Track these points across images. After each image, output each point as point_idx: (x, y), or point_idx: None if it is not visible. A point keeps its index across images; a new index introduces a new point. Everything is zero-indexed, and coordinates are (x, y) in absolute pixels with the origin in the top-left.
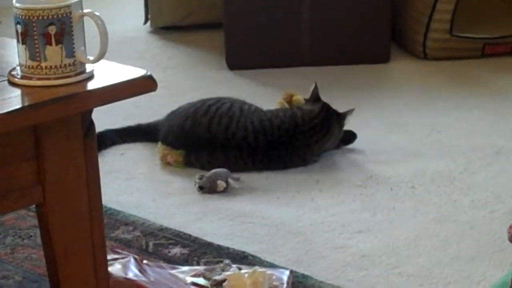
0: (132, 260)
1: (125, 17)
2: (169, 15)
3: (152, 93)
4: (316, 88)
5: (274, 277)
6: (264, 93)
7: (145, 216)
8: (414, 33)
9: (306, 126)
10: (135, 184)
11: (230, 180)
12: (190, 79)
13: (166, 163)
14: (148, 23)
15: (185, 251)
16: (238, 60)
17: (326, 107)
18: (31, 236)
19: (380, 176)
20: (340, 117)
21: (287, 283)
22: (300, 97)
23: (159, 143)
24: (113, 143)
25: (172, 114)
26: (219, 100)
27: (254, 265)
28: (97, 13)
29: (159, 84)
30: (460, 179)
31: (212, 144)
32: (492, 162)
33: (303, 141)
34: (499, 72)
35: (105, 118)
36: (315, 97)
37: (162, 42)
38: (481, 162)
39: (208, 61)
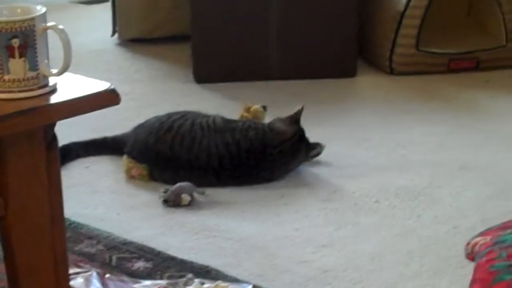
0: (94, 274)
1: (93, 29)
2: (137, 28)
3: (119, 106)
4: (301, 111)
5: None
6: (230, 107)
7: (109, 229)
8: (381, 48)
9: (275, 148)
10: (100, 198)
11: (195, 194)
12: (157, 92)
13: (130, 177)
14: (116, 35)
15: (149, 265)
16: (205, 73)
17: (300, 134)
18: None
19: (345, 191)
20: (309, 148)
21: None
22: (257, 106)
23: (124, 156)
24: (78, 156)
25: (139, 128)
26: (183, 115)
27: (217, 279)
28: (61, 27)
29: (126, 97)
30: (425, 194)
31: (175, 163)
32: (457, 177)
33: (270, 162)
34: (464, 87)
35: (70, 130)
36: (295, 119)
37: (129, 54)
38: (445, 177)
39: (175, 74)
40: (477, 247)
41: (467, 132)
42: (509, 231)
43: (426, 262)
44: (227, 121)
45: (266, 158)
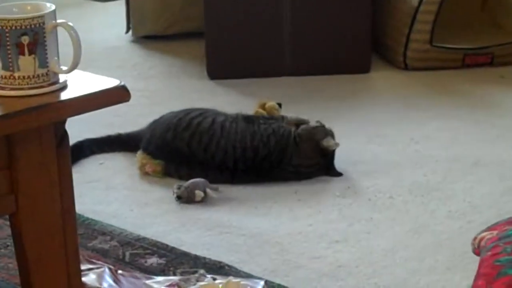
0: (106, 270)
1: (107, 27)
2: (151, 25)
3: (133, 102)
4: (337, 146)
5: (248, 287)
6: (244, 103)
7: (123, 226)
8: (395, 44)
9: (292, 166)
10: (113, 194)
11: (208, 190)
12: (170, 89)
13: (144, 173)
14: (130, 32)
15: (162, 261)
16: (219, 69)
17: (327, 163)
18: (8, 245)
19: (358, 187)
20: (332, 171)
21: None
22: (272, 103)
23: (138, 152)
24: (93, 152)
25: (155, 123)
26: (202, 113)
27: (230, 275)
28: (70, 24)
29: (140, 93)
30: (438, 190)
31: (191, 160)
32: (470, 172)
33: (284, 172)
34: (478, 82)
35: (84, 126)
36: (324, 153)
37: (143, 51)
38: (459, 172)
39: (189, 71)
40: (483, 242)
41: (482, 127)
42: None
43: (439, 257)
44: (250, 121)
45: (281, 168)
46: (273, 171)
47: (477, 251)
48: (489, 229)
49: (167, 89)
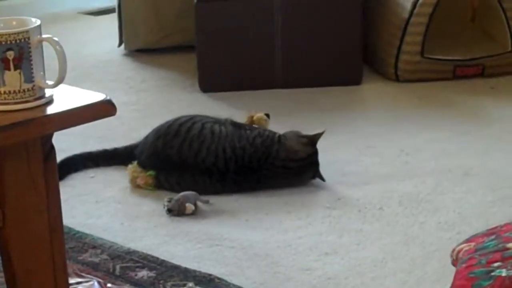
0: (95, 284)
1: (100, 40)
2: (143, 38)
3: (125, 115)
4: (320, 135)
5: None
6: (235, 116)
7: (113, 239)
8: (386, 55)
9: (280, 161)
10: (104, 207)
11: (199, 203)
12: (163, 102)
13: (136, 186)
14: (123, 45)
15: (152, 274)
16: (211, 82)
17: (314, 157)
18: None
19: (348, 198)
20: (316, 172)
21: None
22: (261, 114)
23: (129, 165)
24: (86, 167)
25: (149, 133)
26: (191, 118)
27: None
28: (55, 39)
29: (132, 107)
30: (428, 201)
31: (182, 167)
32: (460, 183)
33: (272, 171)
34: (469, 94)
35: (75, 140)
36: (312, 141)
37: (136, 64)
38: (449, 183)
39: (181, 84)
40: (460, 254)
41: (472, 138)
42: (492, 237)
43: (429, 269)
44: (237, 127)
45: (268, 166)
46: (262, 169)
47: (455, 262)
48: (467, 241)
49: (159, 102)
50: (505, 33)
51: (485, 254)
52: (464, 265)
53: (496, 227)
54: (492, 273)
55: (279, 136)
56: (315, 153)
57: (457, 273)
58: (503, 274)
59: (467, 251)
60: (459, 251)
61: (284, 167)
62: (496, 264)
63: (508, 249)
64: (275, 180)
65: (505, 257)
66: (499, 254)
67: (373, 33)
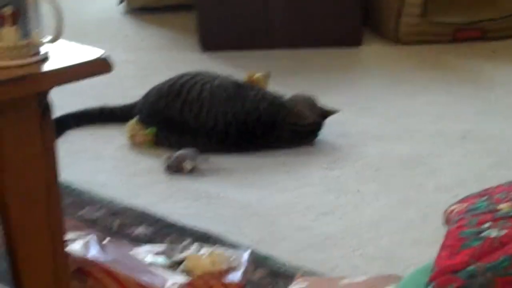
0: (93, 238)
1: None
2: None
3: (124, 74)
4: (333, 112)
5: (233, 257)
6: (236, 75)
7: (111, 195)
8: (387, 17)
9: (287, 125)
10: (103, 164)
11: (198, 161)
12: (162, 60)
13: (134, 143)
14: (123, 4)
15: (149, 231)
16: (211, 42)
17: (318, 126)
18: None
19: (346, 159)
20: (315, 137)
21: (247, 263)
22: (259, 74)
23: (128, 123)
24: (78, 125)
25: (149, 91)
26: (193, 77)
27: (217, 245)
28: None
29: (131, 65)
30: (425, 163)
31: (183, 127)
32: (458, 146)
33: (276, 136)
34: (469, 57)
35: (75, 98)
36: (323, 114)
37: (136, 23)
38: (446, 146)
39: (181, 43)
40: (453, 214)
41: (471, 102)
42: (484, 198)
43: (424, 230)
44: (239, 87)
45: (274, 131)
46: (266, 134)
47: (447, 222)
48: (460, 201)
49: (158, 61)
50: None
51: (476, 215)
52: (455, 225)
53: (489, 189)
54: (482, 234)
55: (283, 100)
56: (322, 123)
57: (448, 233)
58: (493, 235)
59: (459, 212)
60: (451, 212)
61: (292, 131)
62: (486, 225)
63: (498, 210)
64: (278, 143)
65: (496, 218)
66: (490, 215)
67: None
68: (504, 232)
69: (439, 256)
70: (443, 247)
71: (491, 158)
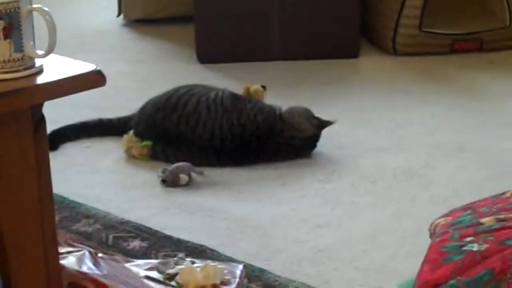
0: (87, 253)
1: (99, 10)
2: (142, 8)
3: (122, 86)
4: (330, 123)
5: (226, 271)
6: (233, 87)
7: (107, 209)
8: (384, 29)
9: (284, 138)
10: (99, 177)
11: (193, 174)
12: (160, 72)
13: (130, 156)
14: (122, 16)
15: (144, 244)
16: (209, 54)
17: (317, 138)
18: None
19: (342, 171)
20: (313, 148)
21: (240, 277)
22: (257, 86)
23: (125, 135)
24: (78, 137)
25: (145, 104)
26: (190, 89)
27: (211, 259)
28: (46, 9)
29: (129, 77)
30: (421, 175)
31: (179, 140)
32: (454, 158)
33: (273, 148)
34: (466, 68)
35: (72, 110)
36: (320, 125)
37: (134, 35)
38: (442, 158)
39: (179, 55)
40: (437, 228)
41: (467, 113)
42: (468, 211)
43: (419, 242)
44: (236, 99)
45: (270, 144)
46: (262, 147)
47: (432, 236)
48: (445, 215)
49: (156, 73)
50: (503, 7)
51: (459, 229)
52: (438, 239)
53: (474, 202)
54: (464, 248)
55: (280, 112)
56: (319, 135)
57: (430, 246)
58: (474, 249)
59: (443, 225)
60: (436, 225)
61: (288, 144)
62: (468, 239)
63: (481, 223)
64: (274, 156)
65: (478, 232)
66: (472, 229)
67: (372, 6)
68: (485, 246)
69: (421, 271)
70: (425, 261)
71: (487, 170)
